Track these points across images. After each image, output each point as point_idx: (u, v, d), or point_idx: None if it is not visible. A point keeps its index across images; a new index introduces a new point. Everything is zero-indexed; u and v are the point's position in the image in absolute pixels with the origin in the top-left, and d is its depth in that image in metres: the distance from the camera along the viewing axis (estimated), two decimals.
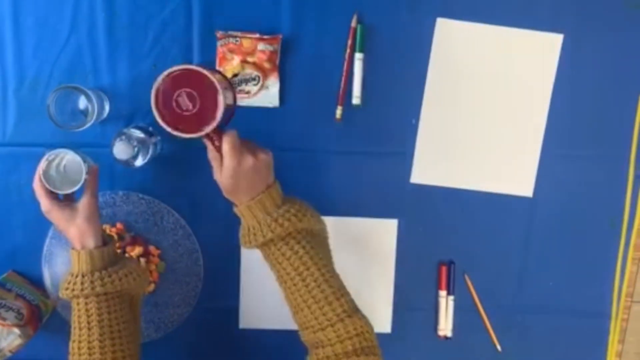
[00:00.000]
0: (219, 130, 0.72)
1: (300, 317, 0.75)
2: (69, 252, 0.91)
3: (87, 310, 0.76)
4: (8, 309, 0.85)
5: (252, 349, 0.97)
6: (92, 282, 0.76)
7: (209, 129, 0.70)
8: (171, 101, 0.69)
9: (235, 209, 0.77)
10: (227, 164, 0.73)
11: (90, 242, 0.78)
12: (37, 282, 0.93)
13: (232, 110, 0.76)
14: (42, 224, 0.91)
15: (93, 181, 0.81)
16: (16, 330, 0.83)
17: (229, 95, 0.73)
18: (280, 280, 0.76)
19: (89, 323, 0.76)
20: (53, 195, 0.80)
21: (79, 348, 0.76)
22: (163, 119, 0.69)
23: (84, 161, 0.79)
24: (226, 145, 0.72)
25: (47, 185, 0.79)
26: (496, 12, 0.89)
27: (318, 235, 0.79)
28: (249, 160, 0.73)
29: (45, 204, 0.79)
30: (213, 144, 0.73)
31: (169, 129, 0.70)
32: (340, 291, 0.75)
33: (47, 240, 0.92)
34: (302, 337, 0.75)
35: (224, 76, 0.76)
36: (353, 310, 0.74)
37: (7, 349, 0.82)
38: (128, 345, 0.78)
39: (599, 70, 0.90)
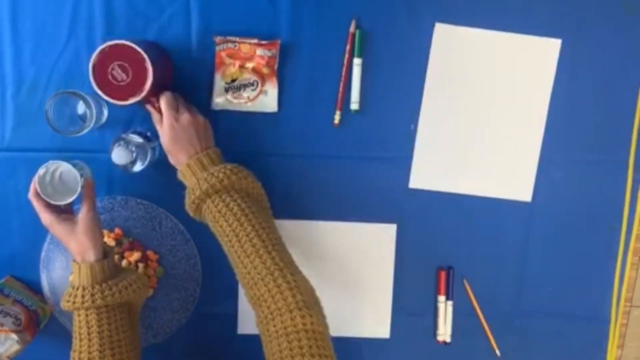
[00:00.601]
0: (160, 94, 0.81)
1: (238, 275, 0.76)
2: (67, 257, 0.92)
3: (87, 322, 0.77)
4: (6, 314, 0.85)
5: (250, 355, 0.96)
6: (92, 295, 0.77)
7: (143, 93, 0.78)
8: (107, 75, 0.78)
9: (178, 174, 0.82)
10: (165, 121, 0.80)
11: (91, 256, 0.79)
12: (35, 288, 0.93)
13: (168, 76, 0.87)
14: (40, 230, 0.90)
15: (89, 194, 0.82)
16: (14, 336, 0.82)
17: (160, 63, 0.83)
18: (219, 239, 0.79)
19: (89, 334, 0.77)
20: (52, 209, 0.80)
21: (79, 359, 0.77)
22: (103, 91, 0.78)
23: (80, 173, 0.80)
24: (162, 103, 0.81)
25: (43, 196, 0.79)
26: (494, 17, 0.89)
27: (257, 200, 0.82)
28: (185, 115, 0.81)
29: (45, 218, 0.80)
30: (154, 106, 0.82)
31: (110, 100, 0.78)
32: (273, 245, 0.74)
33: (45, 246, 0.92)
34: (246, 299, 0.75)
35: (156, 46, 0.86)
36: (285, 265, 0.73)
37: (5, 355, 0.82)
38: (128, 354, 0.79)
39: (597, 75, 0.90)
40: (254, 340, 0.95)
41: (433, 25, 0.89)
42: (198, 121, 0.82)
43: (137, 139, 0.85)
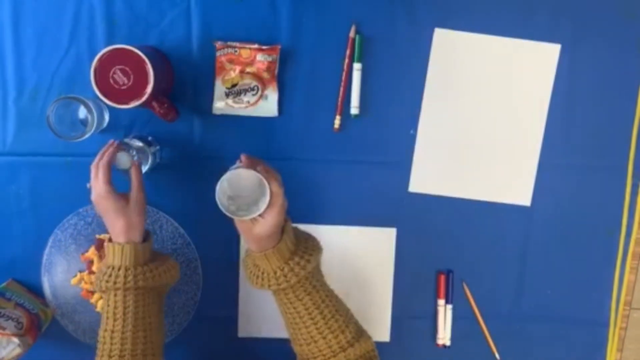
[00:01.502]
0: (160, 98, 0.82)
1: (310, 349, 0.77)
2: (68, 261, 0.92)
3: (124, 302, 0.78)
4: (8, 318, 0.85)
5: (251, 358, 0.97)
6: (135, 276, 0.78)
7: (144, 97, 0.78)
8: (108, 79, 0.78)
9: (251, 255, 0.79)
10: (272, 219, 0.74)
11: (137, 236, 0.80)
12: (36, 291, 0.93)
13: (169, 80, 0.87)
14: (42, 233, 0.92)
15: (138, 175, 0.82)
16: (16, 340, 0.83)
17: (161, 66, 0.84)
18: (290, 318, 0.79)
19: (124, 314, 0.78)
20: (111, 183, 0.80)
21: (111, 337, 0.77)
22: (105, 95, 0.78)
23: (131, 153, 0.82)
24: (277, 196, 0.75)
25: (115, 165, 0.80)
26: (494, 22, 0.89)
27: (320, 267, 0.82)
28: (284, 213, 0.76)
29: (103, 188, 0.79)
30: (156, 110, 0.82)
31: (112, 103, 0.79)
32: (346, 320, 0.79)
33: (47, 249, 0.92)
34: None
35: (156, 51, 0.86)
36: (360, 334, 0.79)
37: (6, 358, 0.82)
38: (157, 337, 0.81)
39: (596, 80, 0.90)
40: (254, 344, 0.96)
41: (433, 30, 0.89)
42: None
43: (139, 143, 0.85)
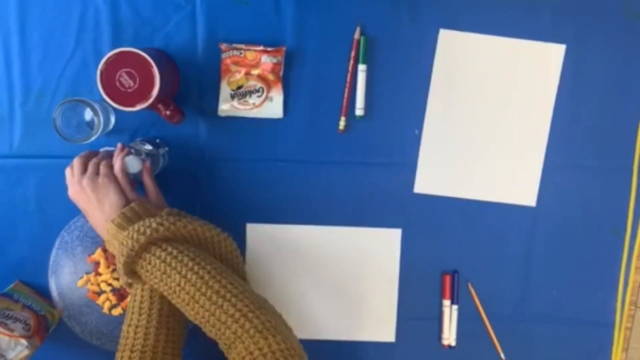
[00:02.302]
0: (166, 100, 0.82)
1: (196, 320, 0.75)
2: (75, 262, 0.93)
3: (150, 297, 0.78)
4: (15, 319, 0.85)
5: None
6: (161, 222, 0.75)
7: (150, 99, 0.79)
8: (114, 81, 0.79)
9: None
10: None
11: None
12: (43, 293, 0.94)
13: (175, 83, 0.88)
14: (49, 235, 0.92)
15: (151, 178, 0.83)
16: (24, 342, 0.83)
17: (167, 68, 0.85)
18: (168, 292, 0.75)
19: (150, 309, 0.77)
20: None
21: (135, 332, 0.77)
22: (111, 98, 0.79)
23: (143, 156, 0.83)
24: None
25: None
26: (498, 23, 0.89)
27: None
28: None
29: (132, 197, 0.80)
30: (162, 113, 0.82)
31: (118, 106, 0.80)
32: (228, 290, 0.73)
33: (54, 251, 0.93)
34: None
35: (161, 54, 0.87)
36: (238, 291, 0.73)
37: None
38: (178, 337, 0.80)
39: (601, 80, 0.90)
40: None
41: (437, 31, 0.89)
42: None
43: (148, 146, 0.86)
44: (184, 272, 0.73)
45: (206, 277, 0.73)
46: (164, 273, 0.74)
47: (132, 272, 0.77)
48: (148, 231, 0.74)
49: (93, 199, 0.79)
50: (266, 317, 0.71)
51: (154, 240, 0.75)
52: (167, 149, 0.89)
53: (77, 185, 0.80)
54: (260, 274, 0.94)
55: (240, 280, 0.77)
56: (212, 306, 0.71)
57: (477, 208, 0.93)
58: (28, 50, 0.88)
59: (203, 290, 0.72)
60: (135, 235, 0.74)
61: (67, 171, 0.82)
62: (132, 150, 0.83)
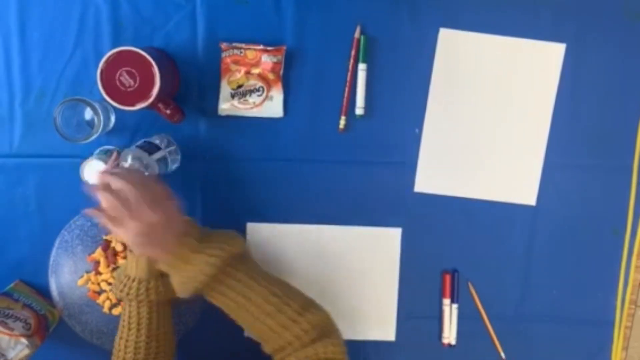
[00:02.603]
0: (166, 100, 0.82)
1: (257, 333, 0.77)
2: (75, 262, 0.93)
3: (138, 312, 0.79)
4: (16, 319, 0.85)
5: (257, 358, 0.97)
6: (147, 289, 0.79)
7: (150, 99, 0.79)
8: (115, 81, 0.79)
9: (171, 271, 0.75)
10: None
11: None
12: (43, 292, 0.94)
13: (175, 82, 0.88)
14: (49, 234, 0.92)
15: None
16: (24, 341, 0.83)
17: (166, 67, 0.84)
18: (230, 310, 0.77)
19: (138, 324, 0.79)
20: None
21: (125, 346, 0.79)
22: (111, 97, 0.79)
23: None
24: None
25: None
26: (498, 22, 0.89)
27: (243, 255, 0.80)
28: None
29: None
30: (162, 112, 0.82)
31: (118, 105, 0.79)
32: (284, 301, 0.76)
33: (54, 251, 0.93)
34: (264, 349, 0.77)
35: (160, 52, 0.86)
36: (307, 306, 0.76)
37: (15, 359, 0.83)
38: (169, 346, 0.82)
39: (601, 80, 0.90)
40: (259, 343, 0.96)
41: (437, 30, 0.89)
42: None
43: (157, 154, 0.84)
44: (258, 291, 0.75)
45: (276, 294, 0.76)
46: (239, 293, 0.75)
47: (190, 290, 0.75)
48: (227, 249, 0.75)
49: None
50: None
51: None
52: (172, 148, 0.89)
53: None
54: None
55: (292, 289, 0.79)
56: (277, 325, 0.75)
57: (478, 207, 0.93)
58: (28, 49, 0.88)
59: (268, 309, 0.75)
60: (218, 253, 0.74)
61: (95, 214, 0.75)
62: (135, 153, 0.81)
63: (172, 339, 0.84)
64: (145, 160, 0.82)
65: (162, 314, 0.81)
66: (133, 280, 0.79)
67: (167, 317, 0.83)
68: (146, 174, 0.80)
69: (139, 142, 0.86)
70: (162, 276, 0.79)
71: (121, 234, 0.72)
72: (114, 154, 0.83)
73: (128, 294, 0.79)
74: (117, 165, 0.80)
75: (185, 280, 0.74)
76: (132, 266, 0.80)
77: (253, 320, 0.76)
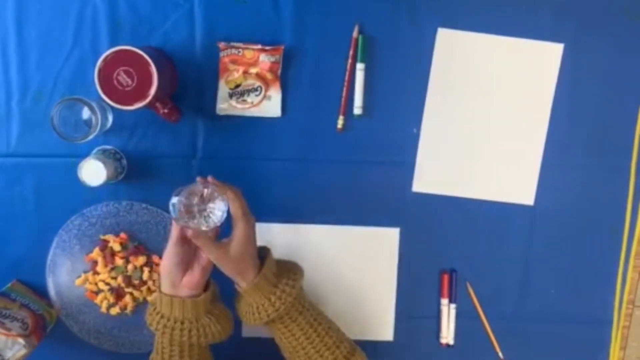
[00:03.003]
0: (164, 99, 0.82)
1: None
2: (73, 262, 0.93)
3: (180, 343, 0.77)
4: (13, 319, 0.85)
5: (255, 358, 0.97)
6: (190, 330, 0.76)
7: (148, 98, 0.78)
8: (112, 80, 0.78)
9: (240, 294, 0.79)
10: (241, 232, 0.75)
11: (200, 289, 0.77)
12: (41, 292, 0.94)
13: (173, 81, 0.87)
14: (46, 234, 0.92)
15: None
16: (21, 341, 0.83)
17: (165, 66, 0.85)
18: (287, 344, 0.80)
19: (181, 352, 0.77)
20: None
21: None
22: (109, 96, 0.78)
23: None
24: (237, 208, 0.75)
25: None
26: (497, 22, 0.89)
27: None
28: (253, 221, 0.78)
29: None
30: (160, 111, 0.82)
31: (116, 105, 0.79)
32: (340, 336, 0.81)
33: (51, 250, 0.92)
34: None
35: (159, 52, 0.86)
36: (354, 349, 0.81)
37: (12, 359, 0.83)
38: None
39: (599, 80, 0.90)
40: (258, 344, 0.96)
41: (435, 30, 0.89)
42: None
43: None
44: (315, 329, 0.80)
45: (319, 329, 0.80)
46: (301, 327, 0.79)
47: (258, 322, 0.79)
48: (288, 298, 0.77)
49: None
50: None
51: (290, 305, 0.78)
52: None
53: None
54: None
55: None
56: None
57: (476, 207, 0.93)
58: (25, 48, 0.88)
59: (325, 345, 0.79)
60: (279, 302, 0.77)
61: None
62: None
63: None
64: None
65: (204, 350, 0.80)
66: (175, 322, 0.76)
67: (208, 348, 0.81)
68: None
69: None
70: (208, 314, 0.78)
71: (217, 250, 0.75)
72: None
73: (172, 334, 0.76)
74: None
75: (255, 311, 0.77)
76: (177, 308, 0.76)
77: (304, 354, 0.79)
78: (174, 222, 0.75)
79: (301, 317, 0.78)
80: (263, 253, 0.80)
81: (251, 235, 0.77)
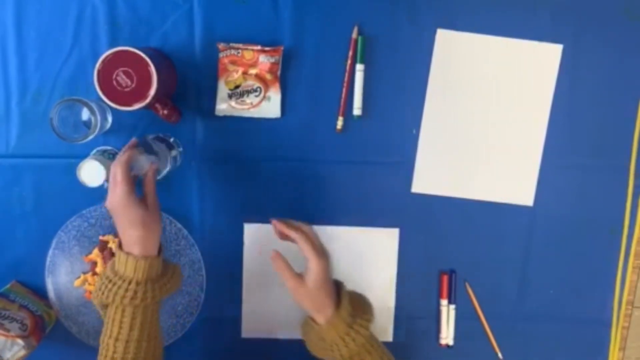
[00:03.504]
0: (163, 100, 0.82)
1: None
2: (72, 262, 0.93)
3: (133, 314, 0.75)
4: (12, 320, 0.85)
5: (254, 359, 0.97)
6: (144, 292, 0.75)
7: (148, 99, 0.78)
8: (112, 81, 0.78)
9: (314, 328, 0.80)
10: (316, 269, 0.77)
11: (153, 250, 0.77)
12: (40, 293, 0.94)
13: (172, 82, 0.88)
14: (45, 235, 0.92)
15: (153, 180, 0.80)
16: (20, 342, 0.83)
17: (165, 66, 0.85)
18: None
19: (131, 325, 0.75)
20: (133, 186, 0.76)
21: (114, 345, 0.75)
22: (108, 97, 0.79)
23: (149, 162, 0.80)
24: (309, 250, 0.77)
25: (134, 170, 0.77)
26: (496, 22, 0.89)
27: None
28: (327, 258, 0.80)
29: (123, 192, 0.74)
30: (159, 112, 0.82)
31: (115, 105, 0.79)
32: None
33: (50, 251, 0.92)
34: None
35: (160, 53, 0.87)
36: None
37: None
38: (158, 345, 0.80)
39: (598, 81, 0.90)
40: (257, 345, 0.96)
41: (435, 31, 0.89)
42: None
43: (160, 145, 0.84)
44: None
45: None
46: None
47: (329, 356, 0.80)
48: (360, 338, 0.78)
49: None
50: None
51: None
52: (180, 149, 0.89)
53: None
54: (258, 273, 0.94)
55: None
56: None
57: (475, 208, 0.93)
58: (25, 49, 0.88)
59: None
60: (353, 343, 0.78)
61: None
62: (144, 147, 0.81)
63: (161, 338, 0.81)
64: (166, 155, 0.83)
65: (154, 312, 0.78)
66: (129, 283, 0.74)
67: (157, 316, 0.79)
68: (152, 165, 0.80)
69: (152, 135, 0.86)
70: (159, 278, 0.77)
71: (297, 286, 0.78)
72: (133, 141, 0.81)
73: (124, 297, 0.74)
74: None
75: (328, 347, 0.79)
76: (130, 268, 0.74)
77: None
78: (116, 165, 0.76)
79: (369, 357, 0.79)
80: (337, 287, 0.82)
81: (327, 272, 0.78)
